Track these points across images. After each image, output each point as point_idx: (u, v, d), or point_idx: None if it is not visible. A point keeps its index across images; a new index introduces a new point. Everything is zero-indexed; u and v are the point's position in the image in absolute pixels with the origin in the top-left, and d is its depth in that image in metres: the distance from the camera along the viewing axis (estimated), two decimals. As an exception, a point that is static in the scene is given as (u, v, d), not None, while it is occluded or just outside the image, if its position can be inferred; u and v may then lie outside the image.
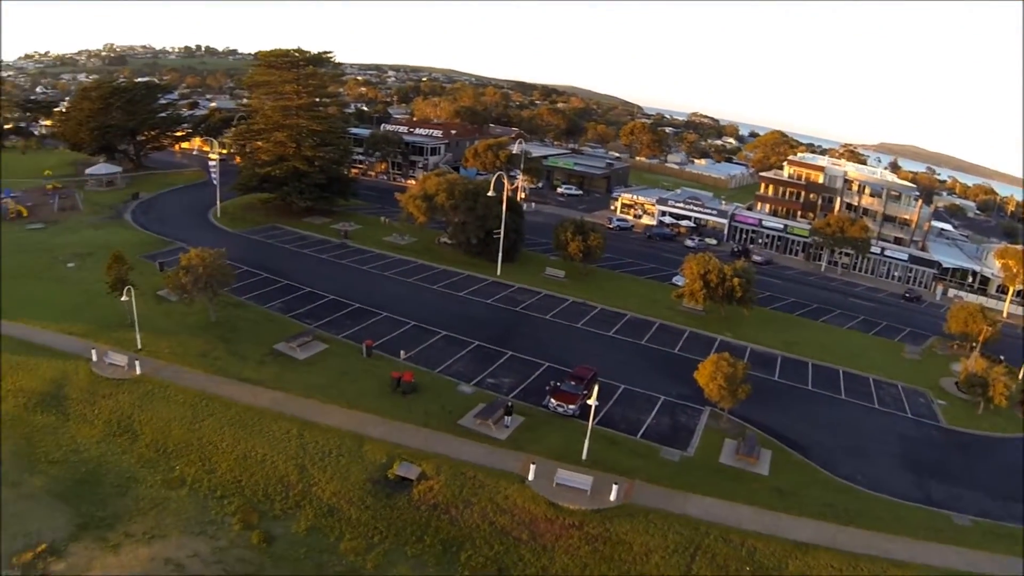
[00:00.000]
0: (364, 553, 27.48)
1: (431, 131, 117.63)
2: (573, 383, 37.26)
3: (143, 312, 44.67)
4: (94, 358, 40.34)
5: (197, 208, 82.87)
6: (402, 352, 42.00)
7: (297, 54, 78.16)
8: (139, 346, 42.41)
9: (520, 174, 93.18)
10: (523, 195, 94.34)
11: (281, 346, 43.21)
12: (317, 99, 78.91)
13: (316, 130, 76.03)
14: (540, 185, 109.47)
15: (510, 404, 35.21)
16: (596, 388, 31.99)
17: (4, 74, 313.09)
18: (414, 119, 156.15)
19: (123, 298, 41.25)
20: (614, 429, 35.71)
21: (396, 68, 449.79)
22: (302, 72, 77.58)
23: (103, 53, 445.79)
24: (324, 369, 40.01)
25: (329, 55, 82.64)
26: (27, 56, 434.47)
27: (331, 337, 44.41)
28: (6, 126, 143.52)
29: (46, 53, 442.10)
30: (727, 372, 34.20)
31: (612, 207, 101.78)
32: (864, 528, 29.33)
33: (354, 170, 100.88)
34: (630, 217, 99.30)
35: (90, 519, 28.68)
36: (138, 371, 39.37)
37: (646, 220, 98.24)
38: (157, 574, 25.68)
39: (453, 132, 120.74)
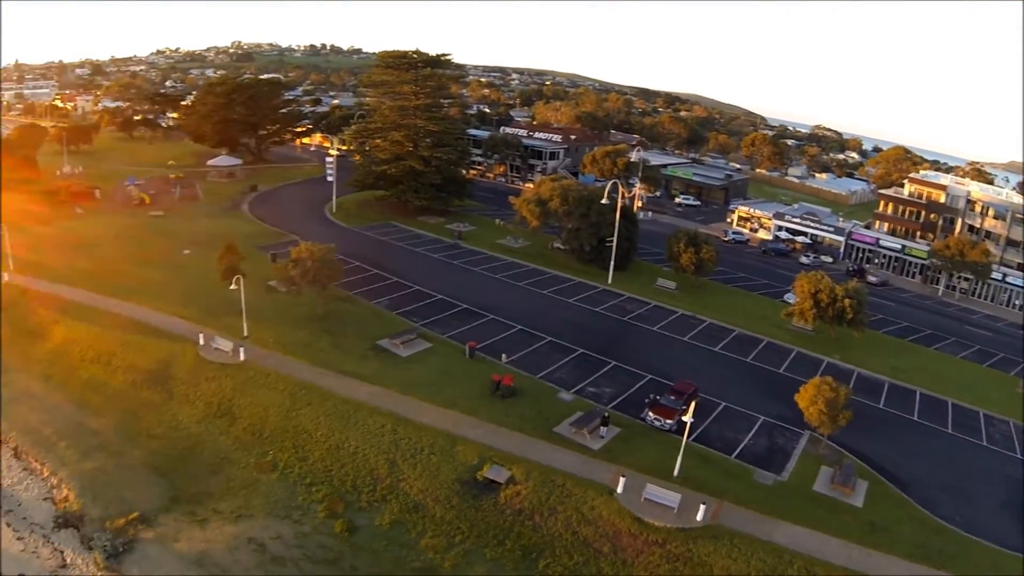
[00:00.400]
0: (443, 552, 39.10)
1: (551, 135, 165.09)
2: (673, 397, 51.86)
3: (252, 301, 64.45)
4: (201, 342, 60.22)
5: (314, 203, 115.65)
6: (503, 355, 58.93)
7: (415, 56, 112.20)
8: (245, 333, 61.63)
9: (638, 182, 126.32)
10: (639, 204, 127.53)
11: (385, 342, 60.61)
12: (434, 100, 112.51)
13: (433, 131, 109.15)
14: (658, 194, 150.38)
15: (607, 415, 49.37)
16: (695, 404, 44.66)
17: (136, 68, 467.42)
18: (534, 123, 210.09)
19: (232, 287, 60.28)
20: (709, 447, 48.76)
21: (520, 71, 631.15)
22: (420, 73, 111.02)
23: (231, 50, 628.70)
24: (425, 368, 56.92)
25: (447, 57, 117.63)
26: (158, 52, 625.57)
27: (436, 336, 63.09)
28: (135, 118, 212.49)
29: (176, 49, 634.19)
30: (828, 397, 46.33)
31: (729, 219, 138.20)
32: (958, 574, 38.31)
33: (472, 171, 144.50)
34: (746, 230, 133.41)
35: (182, 493, 44.76)
36: (242, 357, 57.72)
37: (762, 234, 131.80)
38: (238, 551, 39.60)
39: (573, 137, 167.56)
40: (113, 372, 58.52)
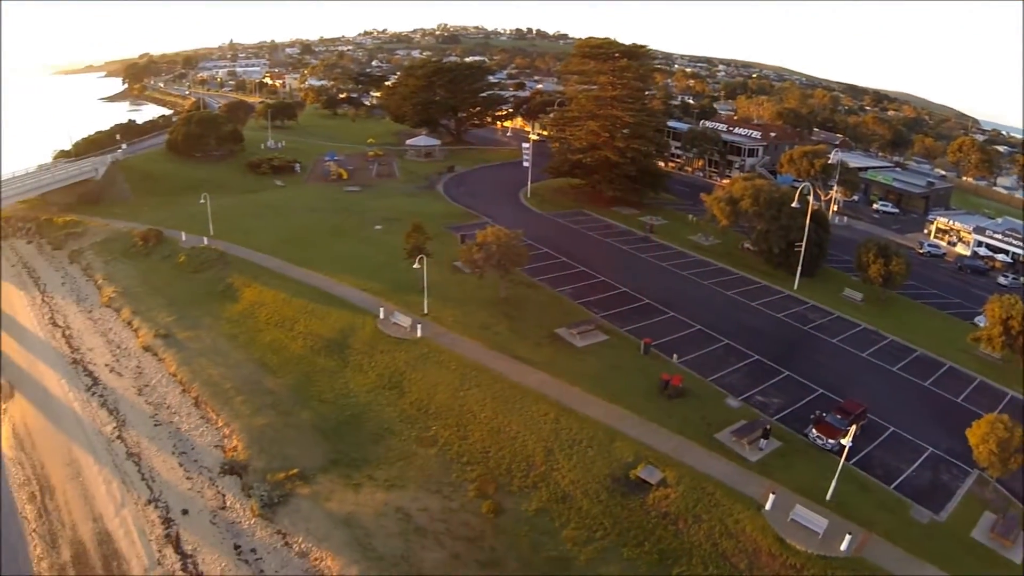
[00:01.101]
0: (582, 544, 41.38)
1: (750, 132, 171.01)
2: (839, 416, 52.90)
3: (436, 280, 70.11)
4: (381, 316, 66.06)
5: (509, 186, 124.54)
6: (675, 355, 61.91)
7: (612, 46, 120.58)
8: (425, 311, 66.62)
9: (835, 185, 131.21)
10: (835, 208, 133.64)
11: (562, 331, 64.15)
12: (631, 91, 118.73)
13: (629, 122, 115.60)
14: (855, 199, 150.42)
15: (768, 427, 51.06)
16: (860, 426, 45.92)
17: (343, 48, 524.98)
18: (735, 117, 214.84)
19: (415, 266, 65.56)
20: (869, 473, 49.09)
21: (727, 62, 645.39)
22: (616, 64, 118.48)
23: (437, 32, 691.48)
24: (598, 360, 60.00)
25: (643, 48, 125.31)
26: (366, 33, 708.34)
27: (613, 329, 67.05)
28: (340, 96, 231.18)
29: (383, 31, 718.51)
30: (1001, 436, 45.64)
31: (926, 230, 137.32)
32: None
33: (671, 164, 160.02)
34: (943, 243, 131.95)
35: (342, 457, 49.42)
36: (419, 334, 62.43)
37: (960, 249, 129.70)
38: (384, 517, 43.30)
39: (772, 134, 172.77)
40: (294, 337, 65.71)
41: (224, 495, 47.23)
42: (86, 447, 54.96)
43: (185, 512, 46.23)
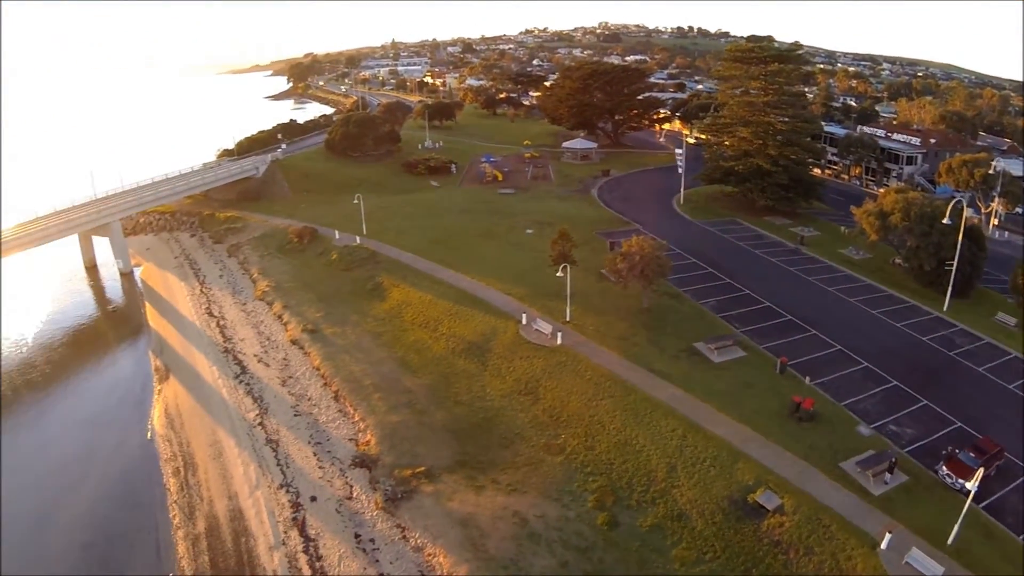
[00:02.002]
0: (690, 565, 42.22)
1: (909, 138, 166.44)
2: (973, 455, 50.62)
3: (581, 287, 72.64)
4: (524, 321, 69.00)
5: (662, 192, 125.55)
6: (807, 378, 61.28)
7: (762, 50, 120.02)
8: (567, 318, 68.93)
9: (996, 197, 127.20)
10: (995, 222, 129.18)
11: (700, 345, 64.77)
12: (784, 97, 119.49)
13: (781, 129, 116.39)
14: (1019, 211, 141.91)
15: (895, 460, 49.61)
16: (994, 467, 44.97)
17: (504, 47, 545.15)
18: (895, 122, 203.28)
19: (559, 274, 68.03)
20: (999, 520, 46.60)
21: (892, 60, 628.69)
22: (768, 69, 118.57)
23: (597, 31, 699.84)
24: (732, 377, 60.45)
25: (796, 52, 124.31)
26: (527, 31, 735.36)
27: (752, 345, 67.34)
28: (499, 96, 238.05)
29: (544, 29, 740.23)
30: None
31: None
32: None
33: (827, 171, 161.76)
34: None
35: (470, 459, 52.43)
36: (559, 341, 64.67)
37: None
38: (501, 520, 45.64)
39: (932, 140, 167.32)
40: (437, 338, 70.00)
41: (352, 486, 51.38)
42: (229, 430, 61.01)
43: (313, 499, 50.75)
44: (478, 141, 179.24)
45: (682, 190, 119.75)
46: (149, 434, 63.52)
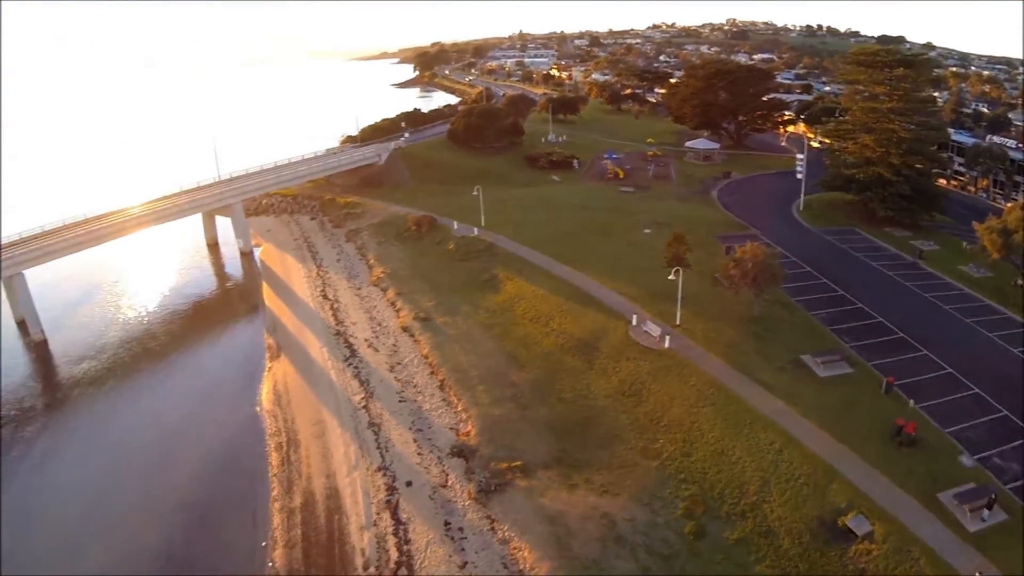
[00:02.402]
0: None
1: None
2: None
3: (694, 290, 72.80)
4: (634, 322, 69.75)
5: (782, 197, 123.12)
6: (912, 401, 59.37)
7: (887, 54, 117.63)
8: (677, 322, 69.35)
9: None
10: None
11: (807, 358, 63.98)
12: (910, 104, 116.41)
13: (905, 137, 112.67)
14: None
15: (995, 495, 47.57)
16: None
17: (631, 41, 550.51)
18: None
19: (670, 277, 68.55)
20: None
21: None
22: (892, 74, 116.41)
23: (725, 27, 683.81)
24: (836, 393, 59.47)
25: (925, 55, 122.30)
26: (654, 26, 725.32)
27: (860, 361, 66.01)
28: (624, 91, 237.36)
29: (672, 24, 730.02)
30: None
31: None
32: None
33: (953, 182, 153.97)
34: None
35: (567, 456, 53.68)
36: (666, 344, 65.27)
37: None
38: (589, 521, 46.79)
39: None
40: (547, 334, 71.57)
41: (448, 474, 53.54)
42: (334, 411, 64.40)
43: (409, 484, 53.25)
44: (601, 137, 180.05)
45: (802, 196, 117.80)
46: (257, 408, 67.58)
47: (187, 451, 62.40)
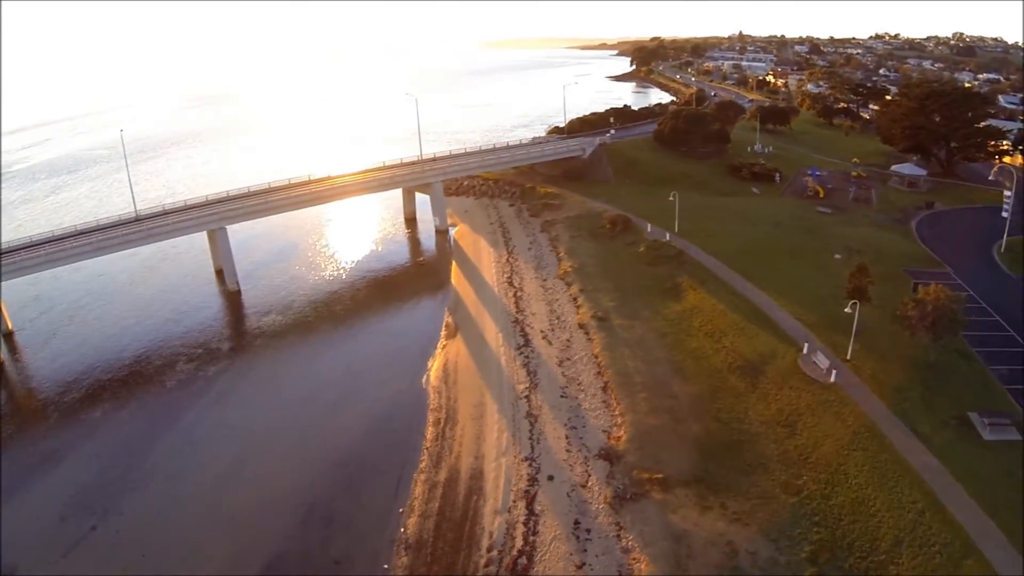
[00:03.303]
0: None
1: None
2: None
3: (872, 325, 69.45)
4: (804, 351, 67.89)
5: (982, 235, 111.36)
6: None
7: None
8: (848, 356, 66.78)
9: None
10: None
11: (974, 416, 58.65)
12: None
13: None
14: None
15: None
16: None
17: (852, 51, 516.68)
18: None
19: (847, 310, 65.89)
20: None
21: None
22: None
23: (951, 42, 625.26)
24: (996, 460, 54.32)
25: None
26: (877, 36, 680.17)
27: None
28: (836, 105, 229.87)
29: (896, 35, 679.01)
30: None
31: None
32: None
33: None
34: None
35: (707, 477, 53.44)
36: (832, 379, 63.24)
37: None
38: (713, 546, 46.58)
39: None
40: (717, 350, 71.06)
41: (590, 475, 54.98)
42: (496, 396, 67.64)
43: (551, 478, 55.27)
44: (808, 151, 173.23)
45: (1004, 236, 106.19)
46: (424, 382, 71.67)
47: (350, 413, 68.47)
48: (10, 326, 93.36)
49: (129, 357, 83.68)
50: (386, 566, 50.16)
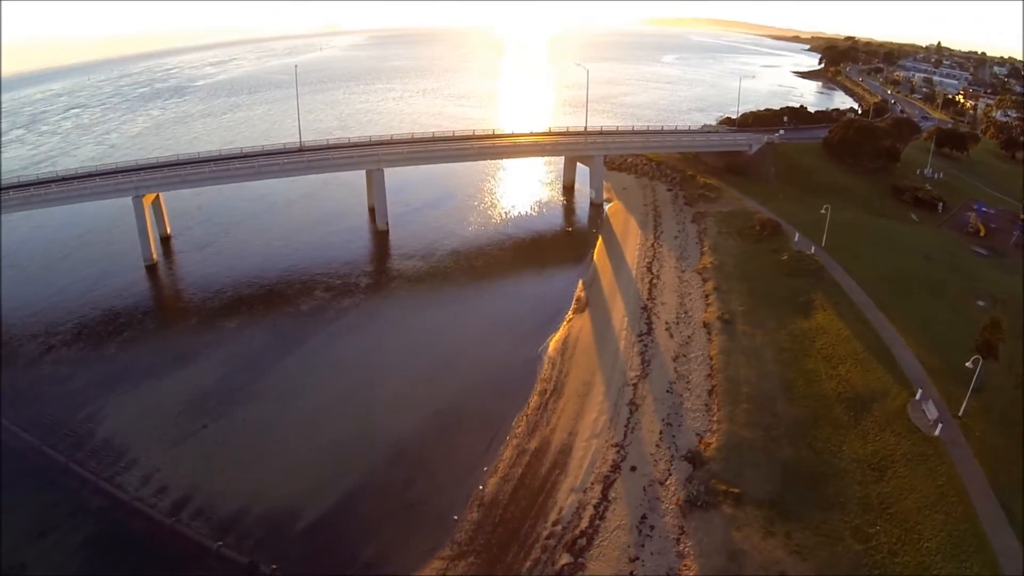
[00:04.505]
0: None
1: None
2: None
3: (995, 383, 65.08)
4: (917, 396, 64.40)
5: None
6: None
7: None
8: (960, 412, 62.74)
9: None
10: None
11: None
12: None
13: None
14: None
15: None
16: None
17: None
18: None
19: (967, 364, 61.76)
20: None
21: None
22: None
23: None
24: None
25: None
26: None
27: None
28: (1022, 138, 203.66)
29: None
30: None
31: None
32: None
33: None
34: None
35: (781, 502, 52.28)
36: (937, 432, 59.95)
37: None
38: (764, 571, 46.06)
39: None
40: (831, 376, 68.44)
41: (671, 474, 55.19)
42: (606, 379, 68.45)
43: (633, 468, 56.00)
44: (981, 184, 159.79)
45: None
46: (541, 350, 72.88)
47: (464, 367, 71.50)
48: (169, 231, 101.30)
49: (273, 276, 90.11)
50: (455, 517, 52.75)
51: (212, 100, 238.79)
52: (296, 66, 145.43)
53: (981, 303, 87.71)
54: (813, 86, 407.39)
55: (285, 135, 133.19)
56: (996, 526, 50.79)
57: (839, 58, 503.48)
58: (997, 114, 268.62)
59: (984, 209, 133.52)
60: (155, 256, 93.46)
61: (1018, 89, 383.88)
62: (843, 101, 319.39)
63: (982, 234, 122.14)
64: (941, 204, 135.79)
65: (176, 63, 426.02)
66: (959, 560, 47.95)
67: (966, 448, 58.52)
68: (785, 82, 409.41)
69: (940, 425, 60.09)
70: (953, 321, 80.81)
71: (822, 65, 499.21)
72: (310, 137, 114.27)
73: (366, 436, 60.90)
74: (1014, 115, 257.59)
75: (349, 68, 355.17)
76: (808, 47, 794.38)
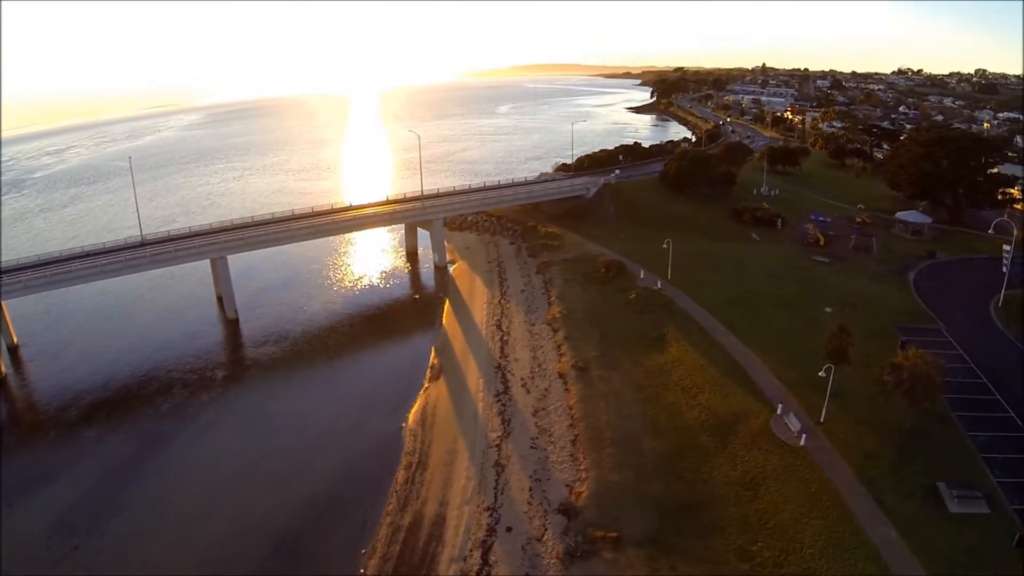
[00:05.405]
0: None
1: None
2: None
3: (850, 385, 69.87)
4: (778, 412, 68.61)
5: (982, 288, 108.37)
6: None
7: None
8: (821, 419, 67.37)
9: None
10: None
11: (942, 486, 58.16)
12: None
13: None
14: None
15: None
16: None
17: (874, 87, 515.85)
18: None
19: (821, 373, 66.31)
20: None
21: None
22: None
23: (974, 79, 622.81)
24: (959, 534, 53.75)
25: None
26: (899, 71, 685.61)
27: (1001, 502, 57.53)
28: (849, 146, 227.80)
29: (919, 71, 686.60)
30: None
31: None
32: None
33: None
34: None
35: (661, 538, 54.31)
36: (802, 442, 64.04)
37: None
38: None
39: None
40: (692, 406, 71.96)
41: (546, 529, 56.51)
42: (469, 443, 69.81)
43: (509, 529, 57.13)
44: (816, 194, 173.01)
45: (1002, 291, 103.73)
46: (403, 424, 74.02)
47: (329, 450, 72.47)
48: (15, 340, 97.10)
49: (128, 377, 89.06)
50: (342, 604, 52.52)
51: (51, 193, 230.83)
52: (130, 158, 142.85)
53: (828, 310, 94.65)
54: (647, 119, 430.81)
55: (127, 227, 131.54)
56: (873, 520, 54.56)
57: (670, 89, 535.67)
58: (824, 126, 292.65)
59: (821, 218, 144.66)
60: (3, 369, 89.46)
61: (841, 100, 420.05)
62: (677, 131, 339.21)
63: (822, 243, 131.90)
64: (780, 220, 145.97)
65: (13, 153, 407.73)
66: (843, 560, 51.11)
67: (832, 452, 62.68)
68: (620, 119, 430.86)
69: (804, 435, 64.19)
70: (805, 332, 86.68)
71: (654, 98, 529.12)
72: (153, 226, 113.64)
73: (242, 532, 60.58)
74: (839, 125, 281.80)
75: (189, 148, 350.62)
76: (640, 81, 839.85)
